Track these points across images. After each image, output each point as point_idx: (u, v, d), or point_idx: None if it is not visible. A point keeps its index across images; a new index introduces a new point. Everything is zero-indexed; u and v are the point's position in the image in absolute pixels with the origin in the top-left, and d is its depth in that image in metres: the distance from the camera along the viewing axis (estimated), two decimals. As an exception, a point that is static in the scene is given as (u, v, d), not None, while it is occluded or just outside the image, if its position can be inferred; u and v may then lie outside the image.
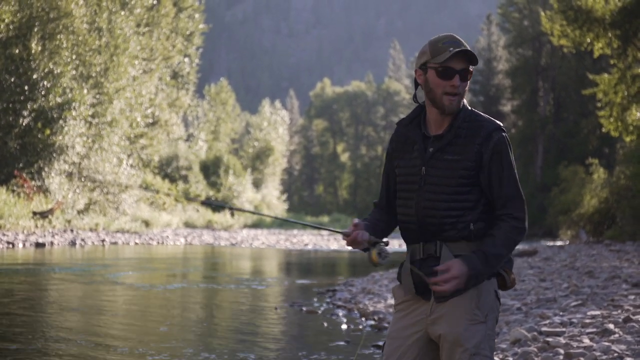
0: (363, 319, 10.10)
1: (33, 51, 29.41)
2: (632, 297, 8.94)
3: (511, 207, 3.28)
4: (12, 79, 29.30)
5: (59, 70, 30.20)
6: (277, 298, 13.02)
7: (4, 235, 23.23)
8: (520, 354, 6.33)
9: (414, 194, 3.36)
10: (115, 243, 27.81)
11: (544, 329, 7.23)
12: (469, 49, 3.28)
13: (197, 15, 51.29)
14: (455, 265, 3.19)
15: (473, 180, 3.29)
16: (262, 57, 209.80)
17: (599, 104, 28.68)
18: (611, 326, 6.95)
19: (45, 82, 29.88)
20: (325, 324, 9.63)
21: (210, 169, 58.28)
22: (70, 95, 30.64)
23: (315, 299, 12.39)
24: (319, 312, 10.82)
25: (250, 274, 17.80)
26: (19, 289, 12.28)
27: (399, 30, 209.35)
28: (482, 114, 3.37)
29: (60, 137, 30.12)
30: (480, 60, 60.04)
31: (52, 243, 23.87)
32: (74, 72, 31.58)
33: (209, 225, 47.11)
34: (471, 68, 3.32)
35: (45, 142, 29.80)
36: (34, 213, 26.98)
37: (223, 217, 51.07)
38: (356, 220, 3.44)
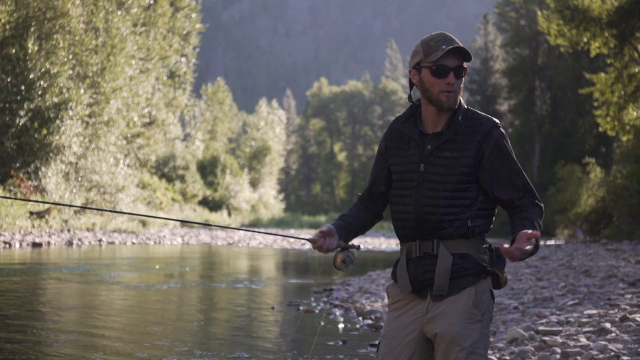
0: (360, 318, 10.10)
1: (29, 51, 29.36)
2: (629, 296, 8.95)
3: (530, 196, 3.31)
4: (9, 79, 29.25)
5: (55, 70, 30.16)
6: (274, 297, 13.01)
7: (0, 235, 23.20)
8: (517, 353, 6.33)
9: (412, 192, 3.35)
10: (112, 243, 27.79)
11: (541, 328, 7.23)
12: (461, 46, 3.28)
13: (193, 15, 51.22)
14: (533, 234, 3.11)
15: (472, 177, 3.30)
16: (259, 56, 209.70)
17: (595, 103, 28.71)
18: (608, 325, 6.96)
19: (41, 82, 29.84)
20: (322, 323, 9.63)
21: (207, 169, 58.24)
22: (67, 95, 30.60)
23: (312, 298, 12.39)
24: (316, 311, 10.82)
25: (247, 274, 17.79)
26: (16, 289, 12.26)
27: (395, 30, 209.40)
28: (478, 111, 3.38)
29: (57, 137, 30.08)
30: (477, 60, 60.31)
31: (49, 243, 23.84)
32: (70, 71, 31.54)
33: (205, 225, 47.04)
34: (465, 65, 3.32)
35: (42, 142, 29.75)
36: (31, 213, 26.95)
37: (220, 216, 51.04)
38: (324, 228, 3.45)
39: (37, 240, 23.59)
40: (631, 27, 24.81)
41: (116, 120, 35.31)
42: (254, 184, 68.04)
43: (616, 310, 7.98)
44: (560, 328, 7.23)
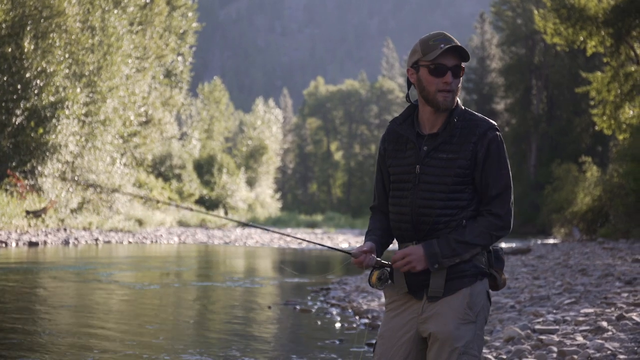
0: (357, 317, 10.10)
1: (26, 50, 29.31)
2: (625, 294, 8.95)
3: (492, 204, 3.29)
4: (5, 78, 29.19)
5: (51, 69, 30.10)
6: (270, 297, 13.01)
7: (-4, 234, 23.19)
8: (513, 352, 6.34)
9: (408, 193, 3.35)
10: (108, 242, 27.76)
11: (538, 327, 7.24)
12: (459, 45, 3.28)
13: (190, 14, 51.18)
14: (409, 247, 3.28)
15: (468, 178, 3.29)
16: (255, 55, 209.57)
17: (592, 102, 28.75)
18: (604, 324, 6.96)
19: (38, 81, 29.79)
20: (319, 323, 9.63)
21: (204, 168, 58.20)
22: (63, 94, 30.55)
23: (308, 298, 12.39)
24: (313, 310, 10.82)
25: (243, 273, 17.78)
26: (12, 288, 12.24)
27: (392, 29, 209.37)
28: (476, 112, 3.38)
29: (54, 136, 30.03)
30: (473, 59, 60.34)
31: (45, 242, 23.81)
32: (67, 70, 31.49)
33: (202, 224, 47.02)
34: (463, 64, 3.32)
35: (38, 141, 29.70)
36: (27, 212, 26.92)
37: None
38: (366, 247, 3.39)
39: (34, 239, 23.56)
40: (627, 26, 24.84)
41: (112, 119, 35.26)
42: (250, 183, 68.02)
43: (613, 308, 7.99)
44: (557, 327, 7.24)
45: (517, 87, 54.77)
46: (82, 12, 33.22)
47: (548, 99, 54.97)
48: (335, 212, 72.41)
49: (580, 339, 6.57)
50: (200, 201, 53.68)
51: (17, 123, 29.48)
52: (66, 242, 24.80)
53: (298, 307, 11.06)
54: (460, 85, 3.33)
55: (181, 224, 44.95)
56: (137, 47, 40.69)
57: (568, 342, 6.49)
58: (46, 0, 30.30)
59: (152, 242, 30.11)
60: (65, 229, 28.39)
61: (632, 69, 25.46)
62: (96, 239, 27.25)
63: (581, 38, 26.14)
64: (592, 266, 13.46)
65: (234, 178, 59.59)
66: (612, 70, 25.80)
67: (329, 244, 33.08)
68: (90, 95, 33.60)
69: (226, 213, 54.23)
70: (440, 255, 3.23)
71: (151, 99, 45.57)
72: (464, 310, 3.25)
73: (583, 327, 7.05)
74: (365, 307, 10.64)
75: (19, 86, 29.40)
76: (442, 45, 3.24)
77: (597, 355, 5.86)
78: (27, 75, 29.54)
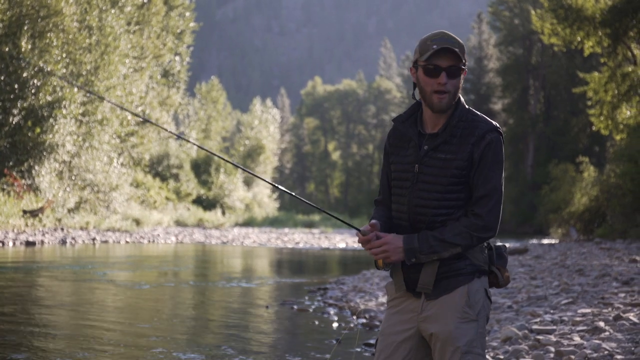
0: (354, 317, 10.10)
1: (23, 49, 29.29)
2: (623, 295, 8.96)
3: (477, 205, 3.27)
4: (2, 77, 29.17)
5: (49, 69, 30.08)
6: (268, 296, 13.00)
7: (-7, 234, 23.17)
8: (511, 352, 6.34)
9: (406, 191, 3.35)
10: (106, 242, 27.74)
11: (535, 327, 7.24)
12: (455, 45, 3.24)
13: (187, 14, 51.17)
14: (390, 236, 3.27)
15: (465, 179, 3.28)
16: (253, 55, 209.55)
17: (589, 103, 28.79)
18: (602, 324, 6.97)
19: (35, 81, 29.78)
20: (317, 322, 9.63)
21: (202, 168, 58.17)
22: (60, 94, 30.54)
23: (306, 297, 12.39)
24: (310, 310, 10.82)
25: (241, 273, 17.78)
26: (9, 287, 12.23)
27: (390, 29, 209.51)
28: (479, 113, 3.35)
29: (51, 136, 30.02)
30: (471, 59, 60.36)
31: (42, 242, 23.79)
32: (64, 70, 31.46)
33: (200, 224, 47.02)
34: (462, 65, 3.28)
35: (35, 140, 29.69)
36: (24, 212, 26.89)
37: (214, 215, 51.00)
38: (374, 221, 3.39)
39: (31, 239, 23.54)
40: (624, 27, 24.86)
41: (110, 119, 35.25)
42: (248, 182, 67.98)
43: (610, 309, 7.99)
44: (554, 327, 7.24)
45: (514, 87, 54.84)
46: (79, 11, 33.20)
47: (545, 99, 55.03)
48: (333, 212, 72.41)
49: (577, 339, 6.58)
50: (198, 201, 53.66)
51: (14, 122, 29.46)
52: (63, 242, 24.78)
53: (295, 306, 11.06)
54: (460, 85, 3.32)
55: (178, 223, 44.93)
56: (134, 47, 40.67)
57: (565, 342, 6.49)
58: (43, 0, 30.27)
59: (149, 241, 30.09)
60: (62, 229, 28.36)
61: (629, 69, 25.49)
62: (93, 239, 27.23)
63: (578, 38, 26.17)
64: (589, 266, 13.47)
65: (231, 178, 59.56)
66: (610, 70, 25.83)
67: (326, 243, 33.07)
68: (88, 95, 33.57)
69: (223, 213, 54.20)
70: (417, 251, 3.24)
71: (148, 99, 45.56)
72: (462, 309, 3.25)
73: (580, 327, 7.06)
74: (362, 306, 10.64)
75: (16, 86, 29.38)
76: (435, 46, 3.24)
77: (595, 355, 5.86)
78: (25, 74, 29.53)
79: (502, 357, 6.33)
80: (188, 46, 53.15)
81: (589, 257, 16.38)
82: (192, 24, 51.75)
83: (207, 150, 3.74)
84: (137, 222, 36.59)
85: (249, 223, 56.11)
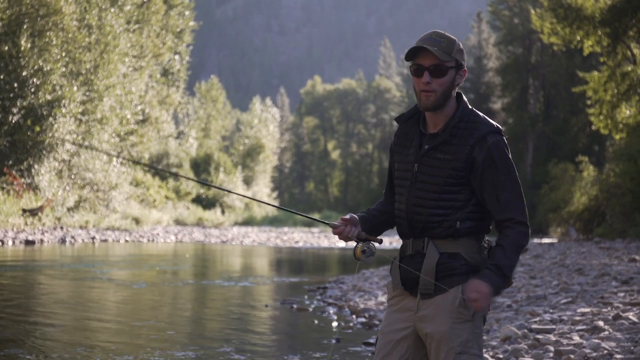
0: (354, 316, 10.10)
1: (22, 48, 29.28)
2: (622, 294, 8.96)
3: (512, 211, 3.25)
4: (2, 76, 29.16)
5: (48, 68, 30.08)
6: (267, 296, 13.01)
7: (-7, 232, 23.17)
8: (510, 351, 6.34)
9: (406, 190, 3.36)
10: (105, 240, 27.74)
11: (534, 326, 7.24)
12: (434, 45, 3.21)
13: (187, 13, 51.16)
14: (481, 287, 3.17)
15: (462, 180, 3.26)
16: (252, 54, 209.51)
17: (588, 102, 28.77)
18: (601, 323, 6.97)
19: (34, 80, 29.77)
20: (316, 322, 9.63)
21: (201, 167, 58.19)
22: (60, 93, 30.53)
23: (305, 297, 12.39)
24: (310, 309, 10.82)
25: (240, 272, 17.78)
26: (8, 286, 12.23)
27: (389, 28, 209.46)
28: (481, 114, 3.32)
29: (50, 135, 30.01)
30: (470, 58, 60.31)
31: (41, 240, 23.79)
32: (63, 69, 31.46)
33: (199, 223, 47.04)
34: (449, 63, 3.23)
35: (34, 139, 29.69)
36: (24, 210, 26.88)
37: (213, 214, 51.02)
38: (347, 216, 3.42)
39: (30, 237, 23.54)
40: (624, 26, 24.85)
41: (109, 118, 35.24)
42: (247, 181, 68.01)
43: (609, 308, 8.00)
44: (554, 326, 7.24)
45: (514, 86, 54.77)
46: (78, 10, 33.20)
47: (545, 99, 54.99)
48: (332, 211, 72.42)
49: (576, 338, 6.58)
50: (197, 200, 53.68)
51: (13, 121, 29.46)
52: (63, 241, 24.78)
53: (295, 306, 11.06)
54: (450, 83, 3.27)
55: (178, 222, 44.95)
56: (134, 46, 40.66)
57: (565, 341, 6.49)
58: (43, -1, 30.28)
59: (148, 240, 30.09)
60: (61, 228, 28.36)
61: (629, 68, 25.48)
62: (93, 238, 27.23)
63: (578, 38, 26.15)
64: (588, 266, 13.47)
65: (230, 177, 59.59)
66: (609, 69, 25.81)
67: (326, 243, 33.08)
68: (87, 93, 33.57)
69: (223, 212, 54.21)
70: (502, 286, 3.22)
71: (148, 98, 45.56)
72: (456, 309, 3.24)
73: (580, 327, 7.06)
74: (362, 306, 10.63)
75: (15, 84, 29.38)
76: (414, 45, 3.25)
77: (594, 354, 5.86)
78: (24, 73, 29.52)
79: (501, 356, 6.33)
80: (188, 45, 53.15)
81: (589, 256, 16.38)
82: (191, 23, 51.74)
83: (224, 190, 3.74)
84: (137, 221, 36.60)
85: (248, 222, 56.14)
